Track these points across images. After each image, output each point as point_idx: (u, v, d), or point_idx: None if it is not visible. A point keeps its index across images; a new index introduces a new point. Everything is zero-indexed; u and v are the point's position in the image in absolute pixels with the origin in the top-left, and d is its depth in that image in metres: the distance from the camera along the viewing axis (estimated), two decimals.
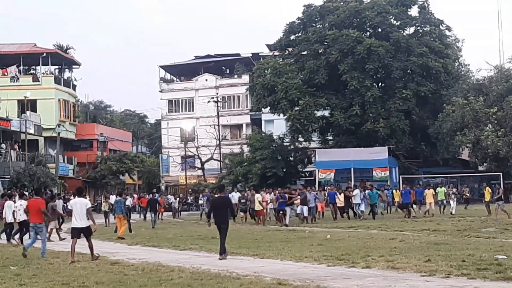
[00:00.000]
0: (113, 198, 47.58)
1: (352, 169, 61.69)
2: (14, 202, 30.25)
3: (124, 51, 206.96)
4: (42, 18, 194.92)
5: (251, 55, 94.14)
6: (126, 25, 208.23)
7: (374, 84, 67.67)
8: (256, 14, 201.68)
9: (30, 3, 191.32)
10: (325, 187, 51.34)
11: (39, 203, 23.47)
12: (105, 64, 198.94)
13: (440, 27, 70.58)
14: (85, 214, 21.38)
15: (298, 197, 41.02)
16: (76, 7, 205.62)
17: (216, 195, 25.65)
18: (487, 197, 42.64)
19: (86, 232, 21.59)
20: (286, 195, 39.86)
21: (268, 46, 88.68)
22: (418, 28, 70.63)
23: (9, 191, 47.16)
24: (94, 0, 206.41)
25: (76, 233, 21.51)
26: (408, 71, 67.19)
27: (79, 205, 21.45)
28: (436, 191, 46.73)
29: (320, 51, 68.84)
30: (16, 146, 71.95)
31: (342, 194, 43.95)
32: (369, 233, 29.84)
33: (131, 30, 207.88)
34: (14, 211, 29.40)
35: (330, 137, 72.95)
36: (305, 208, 39.93)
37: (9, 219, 30.06)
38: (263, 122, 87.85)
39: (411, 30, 70.85)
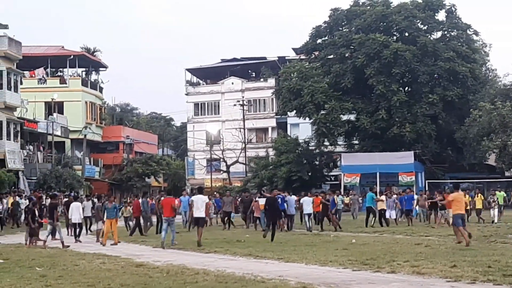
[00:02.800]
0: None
1: (377, 173, 61.54)
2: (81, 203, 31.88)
3: (151, 54, 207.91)
4: (67, 21, 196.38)
5: (277, 58, 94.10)
6: (153, 28, 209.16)
7: (401, 89, 67.50)
8: (283, 17, 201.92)
9: (53, 7, 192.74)
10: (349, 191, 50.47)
11: (171, 201, 29.35)
12: (132, 67, 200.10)
13: (468, 31, 70.19)
14: (204, 207, 27.89)
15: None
16: (101, 10, 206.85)
17: (267, 196, 33.18)
18: (479, 204, 41.72)
19: (201, 221, 28.22)
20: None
21: (295, 49, 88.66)
22: (445, 32, 70.37)
23: (35, 192, 47.74)
24: (119, 3, 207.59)
25: (197, 221, 28.59)
26: (435, 75, 67.00)
27: (200, 200, 28.09)
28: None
29: (346, 55, 68.82)
30: (41, 148, 72.43)
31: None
32: (395, 238, 29.75)
33: (158, 33, 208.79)
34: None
35: (356, 141, 72.83)
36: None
37: (77, 219, 32.19)
38: (288, 126, 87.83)
39: (438, 34, 70.62)
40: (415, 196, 44.91)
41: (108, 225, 30.30)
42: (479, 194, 42.15)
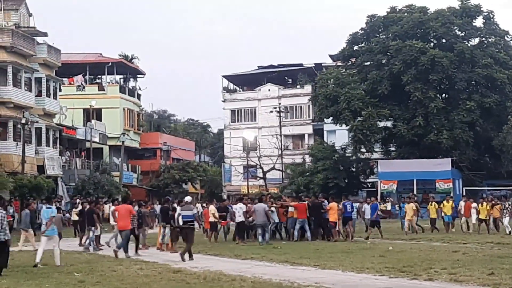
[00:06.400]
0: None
1: (414, 180, 61.25)
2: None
3: (188, 61, 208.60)
4: (106, 28, 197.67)
5: (314, 65, 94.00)
6: (191, 35, 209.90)
7: (438, 95, 67.14)
8: (319, 24, 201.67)
9: (95, 13, 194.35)
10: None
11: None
12: (169, 74, 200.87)
13: (505, 38, 69.61)
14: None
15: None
16: (140, 17, 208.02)
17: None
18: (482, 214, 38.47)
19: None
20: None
21: (331, 56, 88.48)
22: (483, 39, 69.76)
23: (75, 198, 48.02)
24: (158, 10, 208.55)
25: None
26: (472, 82, 66.53)
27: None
28: None
29: (383, 61, 68.54)
30: (83, 154, 73.05)
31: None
32: (432, 245, 29.64)
33: (196, 40, 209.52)
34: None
35: (393, 148, 72.55)
36: None
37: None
38: (325, 133, 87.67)
39: (475, 41, 70.05)
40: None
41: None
42: (485, 203, 38.76)
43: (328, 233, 34.44)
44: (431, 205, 41.72)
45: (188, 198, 28.04)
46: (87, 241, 31.01)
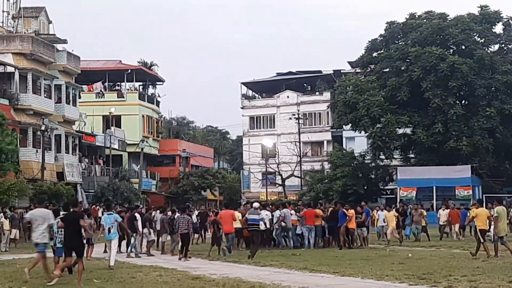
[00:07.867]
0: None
1: (434, 187, 61.03)
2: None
3: (207, 68, 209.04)
4: (125, 35, 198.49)
5: (332, 72, 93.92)
6: (210, 42, 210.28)
7: (457, 102, 66.83)
8: (338, 31, 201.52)
9: (115, 20, 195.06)
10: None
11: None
12: (188, 81, 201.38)
13: None
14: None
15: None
16: (159, 24, 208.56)
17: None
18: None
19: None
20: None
21: (350, 63, 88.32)
22: (503, 45, 69.44)
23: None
24: (177, 18, 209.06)
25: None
26: (492, 88, 66.10)
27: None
28: None
29: (402, 68, 68.25)
30: (100, 161, 73.29)
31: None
32: (452, 253, 29.51)
33: (215, 47, 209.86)
34: None
35: (412, 155, 72.22)
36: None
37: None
38: (344, 139, 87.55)
39: (495, 47, 69.70)
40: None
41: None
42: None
43: (339, 240, 33.93)
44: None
45: (256, 204, 31.10)
46: (129, 248, 31.16)
